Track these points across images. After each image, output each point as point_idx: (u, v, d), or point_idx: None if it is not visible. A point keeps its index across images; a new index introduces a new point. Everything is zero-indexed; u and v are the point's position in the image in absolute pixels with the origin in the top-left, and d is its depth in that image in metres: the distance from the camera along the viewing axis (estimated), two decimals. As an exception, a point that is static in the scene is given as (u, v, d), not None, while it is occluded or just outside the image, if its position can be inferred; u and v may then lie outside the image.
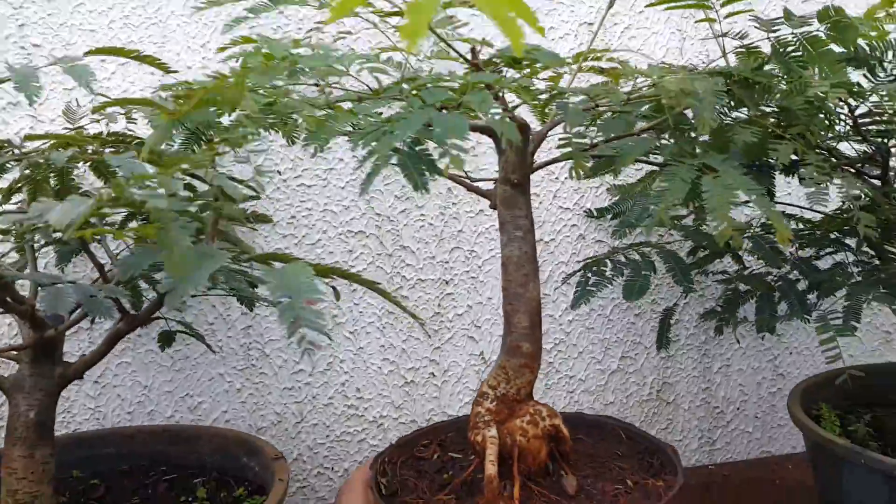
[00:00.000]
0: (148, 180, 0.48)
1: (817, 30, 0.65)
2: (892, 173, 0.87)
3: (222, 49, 0.68)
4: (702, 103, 0.61)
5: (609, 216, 1.10)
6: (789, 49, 0.67)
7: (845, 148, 0.91)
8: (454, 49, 0.52)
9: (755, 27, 0.73)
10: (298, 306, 0.45)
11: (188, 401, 1.00)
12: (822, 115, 0.74)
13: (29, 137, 0.63)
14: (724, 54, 0.75)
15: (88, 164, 0.73)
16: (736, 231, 0.57)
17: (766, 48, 0.72)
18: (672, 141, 0.70)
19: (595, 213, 1.12)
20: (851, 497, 0.83)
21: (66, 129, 0.85)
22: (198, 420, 1.00)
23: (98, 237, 0.79)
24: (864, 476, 0.79)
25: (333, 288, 0.62)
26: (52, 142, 0.70)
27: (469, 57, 0.61)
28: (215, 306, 0.99)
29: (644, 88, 0.68)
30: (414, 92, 0.53)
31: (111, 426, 0.96)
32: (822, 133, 0.82)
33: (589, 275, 0.96)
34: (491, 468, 0.65)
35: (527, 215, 0.70)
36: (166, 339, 0.89)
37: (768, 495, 1.11)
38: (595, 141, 0.68)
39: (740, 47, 0.74)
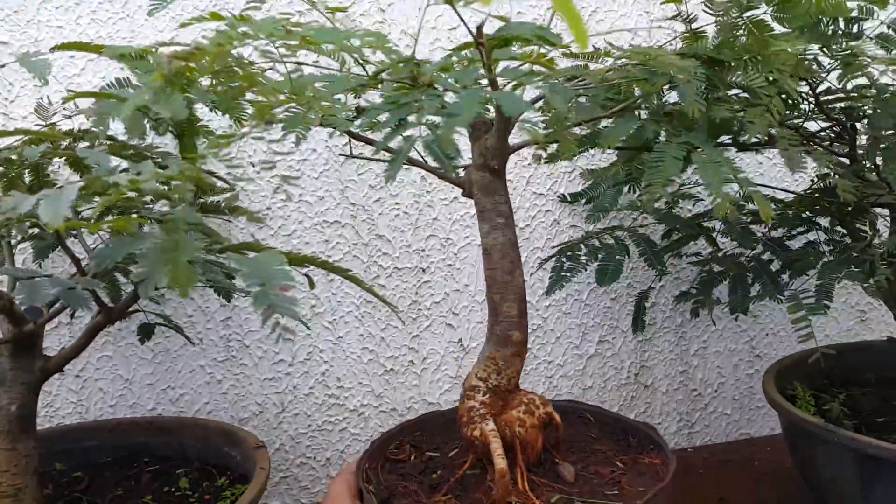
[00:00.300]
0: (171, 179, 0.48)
1: (764, 12, 0.66)
2: (860, 151, 0.89)
3: (185, 25, 0.66)
4: (689, 83, 0.61)
5: (583, 201, 1.11)
6: (738, 33, 0.68)
7: (813, 129, 0.93)
8: (466, 25, 0.51)
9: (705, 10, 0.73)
10: (272, 293, 0.45)
11: (170, 393, 1.01)
12: (782, 96, 0.76)
13: (0, 134, 0.63)
14: (690, 34, 0.76)
15: (64, 158, 0.73)
16: (732, 205, 0.58)
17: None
18: (647, 121, 0.71)
19: (568, 198, 1.13)
20: (825, 475, 0.84)
21: (38, 125, 0.85)
22: (180, 412, 1.01)
23: (74, 232, 0.79)
24: (838, 454, 0.81)
25: (308, 276, 0.63)
26: (25, 138, 0.70)
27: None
28: (193, 298, 1.00)
29: (614, 71, 0.69)
30: (437, 74, 0.52)
31: (94, 419, 0.97)
32: (787, 112, 0.83)
33: (563, 260, 0.98)
34: (501, 462, 0.63)
35: (506, 201, 0.68)
36: (146, 332, 0.89)
37: (748, 476, 1.13)
38: (574, 122, 0.69)
39: (686, 32, 0.75)
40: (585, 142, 0.81)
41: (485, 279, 0.69)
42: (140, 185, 0.47)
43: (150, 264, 0.46)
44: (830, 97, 0.80)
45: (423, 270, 1.09)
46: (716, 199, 0.60)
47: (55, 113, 0.86)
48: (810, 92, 0.78)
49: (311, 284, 0.61)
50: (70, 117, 0.83)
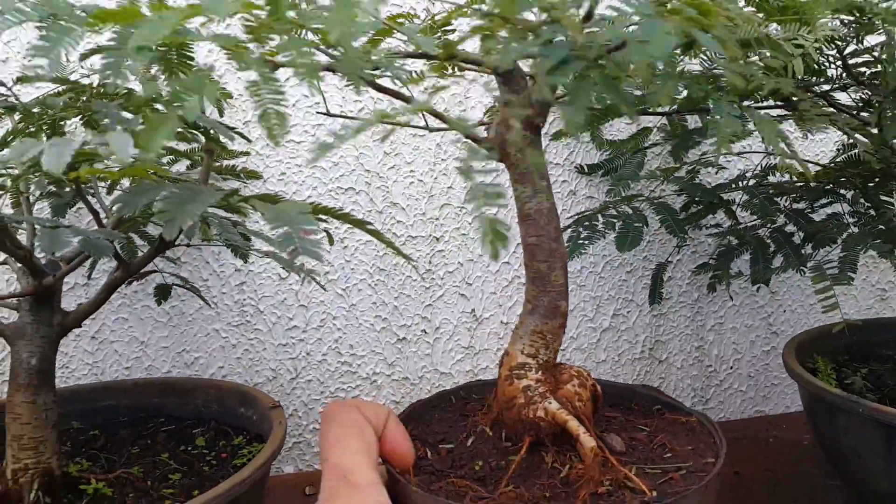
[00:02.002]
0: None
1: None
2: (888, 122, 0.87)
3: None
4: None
5: (600, 172, 1.10)
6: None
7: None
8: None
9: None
10: (296, 235, 0.45)
11: (185, 356, 1.01)
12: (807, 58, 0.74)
13: (21, 80, 0.62)
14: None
15: (80, 117, 0.73)
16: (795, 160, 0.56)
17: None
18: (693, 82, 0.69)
19: (586, 170, 1.11)
20: (848, 448, 0.83)
21: (55, 85, 0.84)
22: (195, 375, 1.01)
23: (92, 190, 0.79)
24: (862, 426, 0.80)
25: (327, 232, 0.62)
26: (44, 94, 0.70)
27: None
28: (209, 262, 0.99)
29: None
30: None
31: (109, 380, 0.97)
32: (812, 78, 0.82)
33: (580, 230, 0.97)
34: (590, 440, 0.57)
35: (545, 164, 0.65)
36: (163, 293, 0.89)
37: (763, 453, 1.13)
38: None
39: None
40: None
41: (526, 248, 0.64)
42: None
43: (174, 206, 0.45)
44: (859, 60, 0.78)
45: (437, 239, 1.08)
46: (779, 155, 0.57)
47: (73, 72, 0.85)
48: (838, 55, 0.76)
49: (331, 240, 0.61)
50: (88, 76, 0.82)
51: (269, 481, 0.79)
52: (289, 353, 1.05)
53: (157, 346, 1.00)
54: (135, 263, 0.68)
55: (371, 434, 0.52)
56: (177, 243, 0.71)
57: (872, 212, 0.95)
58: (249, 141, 0.96)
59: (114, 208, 0.67)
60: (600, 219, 0.96)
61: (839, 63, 0.77)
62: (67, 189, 0.80)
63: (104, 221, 0.70)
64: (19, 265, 0.73)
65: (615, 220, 0.94)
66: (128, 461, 0.77)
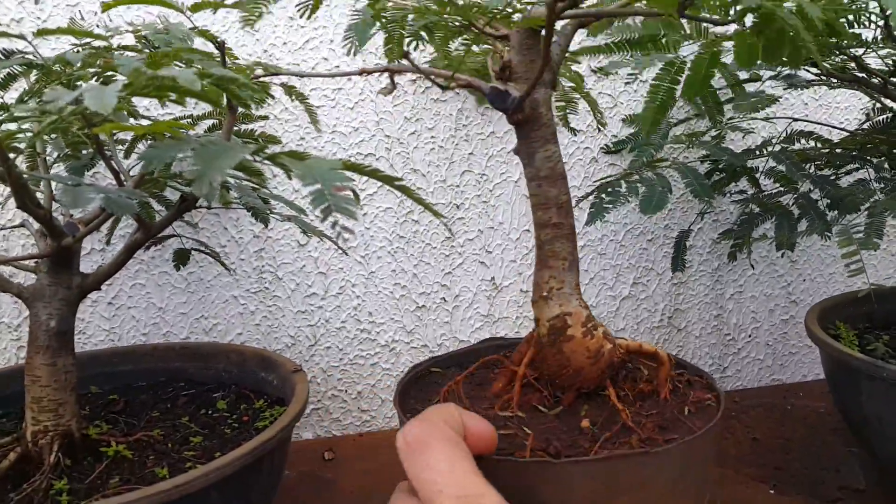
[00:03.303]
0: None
1: None
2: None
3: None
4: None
5: (627, 149, 1.08)
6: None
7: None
8: None
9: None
10: (328, 192, 0.44)
11: (203, 322, 1.00)
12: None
13: (42, 32, 0.61)
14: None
15: (97, 78, 0.71)
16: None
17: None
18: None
19: (612, 148, 1.10)
20: (871, 413, 0.83)
21: (72, 45, 0.83)
22: (214, 341, 1.01)
23: (109, 152, 0.78)
24: (885, 391, 0.79)
25: (353, 191, 0.61)
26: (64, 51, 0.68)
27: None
28: (227, 229, 0.99)
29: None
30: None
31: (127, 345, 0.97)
32: (844, 42, 0.80)
33: (603, 195, 0.95)
34: (663, 352, 0.67)
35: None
36: (182, 258, 0.88)
37: (781, 420, 1.12)
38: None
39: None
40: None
41: (561, 206, 0.64)
42: (178, 81, 0.45)
43: (204, 160, 0.44)
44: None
45: (458, 207, 1.07)
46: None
47: (93, 27, 0.84)
48: (881, 13, 0.73)
49: (357, 198, 0.60)
50: (111, 35, 0.81)
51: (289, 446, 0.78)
52: (307, 319, 1.04)
53: (175, 311, 0.99)
54: (156, 225, 0.67)
55: (466, 447, 0.47)
56: (196, 206, 0.70)
57: (899, 178, 0.94)
58: (266, 117, 0.95)
59: (136, 166, 0.65)
60: (623, 185, 0.94)
61: (882, 22, 0.74)
62: (85, 151, 0.79)
63: (124, 182, 0.69)
64: (37, 227, 0.72)
65: (639, 186, 0.92)
66: (148, 424, 0.76)
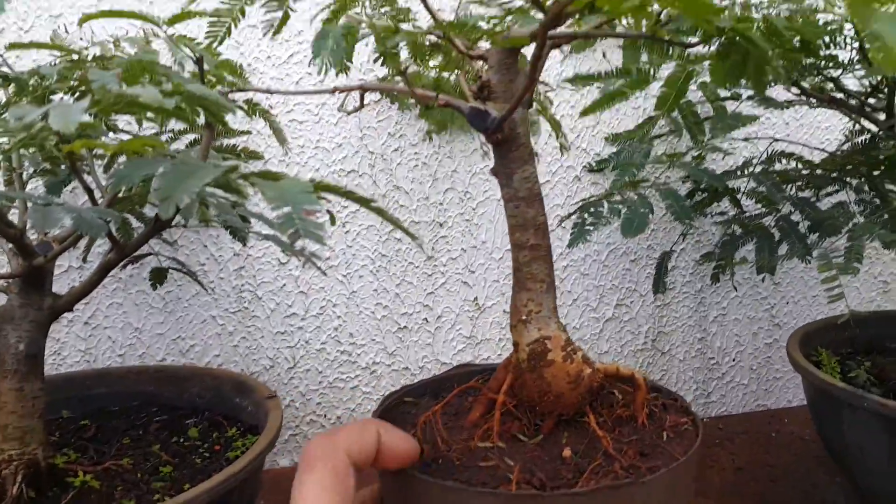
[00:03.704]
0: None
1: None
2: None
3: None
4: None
5: (610, 167, 1.08)
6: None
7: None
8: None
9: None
10: (297, 216, 0.43)
11: (180, 343, 0.99)
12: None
13: (13, 46, 0.60)
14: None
15: (71, 92, 0.70)
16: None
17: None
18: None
19: (595, 167, 1.10)
20: (852, 442, 0.82)
21: (52, 56, 0.82)
22: (190, 363, 0.99)
23: (87, 168, 0.76)
24: (866, 421, 0.79)
25: (329, 212, 0.60)
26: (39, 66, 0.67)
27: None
28: (206, 246, 0.97)
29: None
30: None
31: (102, 367, 0.95)
32: (821, 63, 0.80)
33: (585, 216, 0.95)
34: (639, 374, 0.66)
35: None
36: (158, 277, 0.87)
37: (764, 448, 1.11)
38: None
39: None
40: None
41: (539, 227, 0.63)
42: (141, 99, 0.44)
43: (170, 182, 0.43)
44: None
45: (441, 225, 1.06)
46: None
47: (71, 44, 0.83)
48: (855, 36, 0.74)
49: (333, 220, 0.59)
50: (87, 48, 0.80)
51: (264, 474, 0.77)
52: (287, 341, 1.03)
53: (152, 332, 0.98)
54: (130, 245, 0.66)
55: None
56: (173, 224, 0.69)
57: (878, 201, 0.94)
58: (249, 132, 0.94)
59: (108, 183, 0.64)
60: (605, 205, 0.94)
61: (856, 45, 0.75)
62: (63, 167, 0.78)
63: (99, 200, 0.68)
64: (10, 245, 0.71)
65: (620, 207, 0.92)
66: (118, 452, 0.74)
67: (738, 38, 0.50)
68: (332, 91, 0.62)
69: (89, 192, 0.59)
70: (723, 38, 0.50)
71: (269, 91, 0.59)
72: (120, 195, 0.66)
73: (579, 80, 0.77)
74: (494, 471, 0.58)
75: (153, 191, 0.42)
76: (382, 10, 0.68)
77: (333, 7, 0.60)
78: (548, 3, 0.46)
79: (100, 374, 0.88)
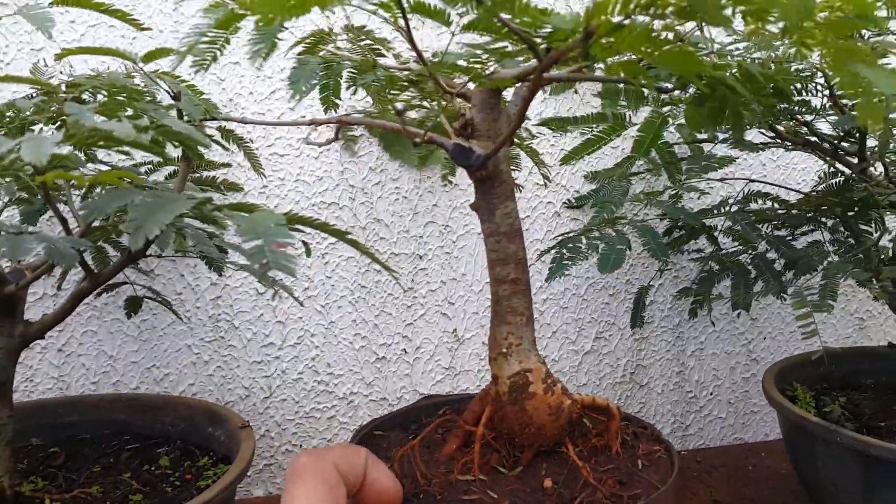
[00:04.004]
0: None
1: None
2: (869, 151, 0.87)
3: None
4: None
5: (589, 204, 1.09)
6: None
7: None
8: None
9: None
10: (268, 249, 0.43)
11: (154, 372, 0.98)
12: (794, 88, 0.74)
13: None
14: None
15: (51, 122, 0.71)
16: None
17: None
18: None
19: (574, 203, 1.11)
20: (826, 477, 0.83)
21: (33, 88, 0.82)
22: (164, 392, 0.98)
23: (64, 197, 0.76)
24: (840, 456, 0.79)
25: (305, 243, 0.60)
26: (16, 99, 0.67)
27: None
28: (183, 275, 0.97)
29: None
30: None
31: (75, 395, 0.94)
32: (795, 108, 0.82)
33: (564, 251, 0.96)
34: (613, 405, 0.69)
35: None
36: (133, 306, 0.86)
37: (742, 482, 1.12)
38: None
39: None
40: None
41: (519, 262, 0.66)
42: (115, 133, 0.45)
43: (142, 214, 0.43)
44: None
45: (420, 257, 1.07)
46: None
47: (51, 77, 0.83)
48: (825, 84, 0.76)
49: (308, 252, 0.59)
50: (67, 83, 0.81)
51: None
52: (263, 370, 1.02)
53: (127, 360, 0.97)
54: (104, 274, 0.66)
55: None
56: (149, 254, 0.69)
57: (852, 240, 0.95)
58: (229, 164, 0.95)
59: (81, 214, 0.64)
60: (584, 240, 0.95)
61: (827, 92, 0.77)
62: (39, 196, 0.78)
63: (74, 230, 0.68)
64: (-18, 273, 0.70)
65: (598, 242, 0.93)
66: (87, 480, 0.74)
67: (718, 84, 0.51)
68: (310, 123, 0.63)
69: (63, 221, 0.60)
70: (702, 83, 0.51)
71: (243, 121, 0.60)
72: (95, 225, 0.66)
73: (555, 122, 0.78)
74: None
75: (124, 224, 0.43)
76: (361, 43, 0.69)
77: (310, 40, 0.61)
78: (541, 47, 0.47)
79: (72, 402, 0.87)
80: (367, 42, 0.69)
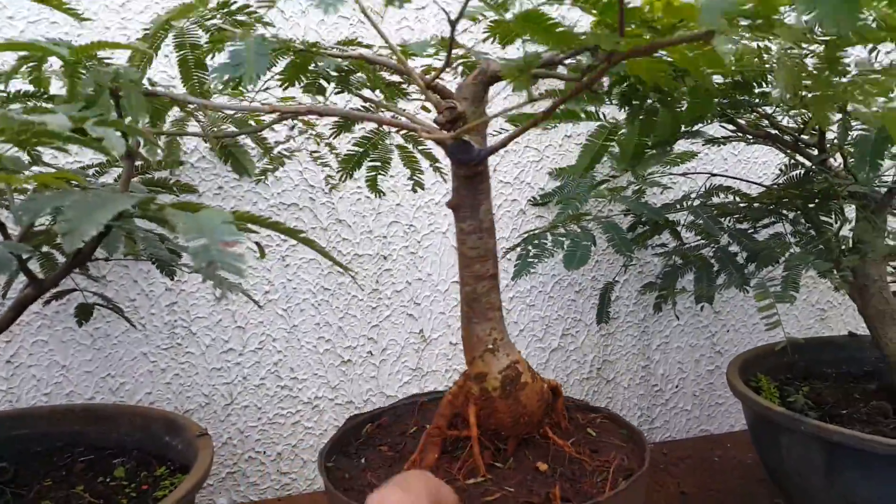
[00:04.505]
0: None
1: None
2: (829, 144, 0.88)
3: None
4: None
5: (554, 201, 1.09)
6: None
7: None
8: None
9: None
10: (214, 247, 0.41)
11: (109, 381, 0.95)
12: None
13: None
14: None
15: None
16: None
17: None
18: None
19: (539, 200, 1.10)
20: (790, 465, 0.83)
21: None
22: (120, 402, 0.95)
23: (6, 200, 0.73)
24: (804, 443, 0.80)
25: (258, 244, 0.58)
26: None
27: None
28: (137, 281, 0.94)
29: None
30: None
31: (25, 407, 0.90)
32: (756, 100, 0.82)
33: (529, 248, 0.95)
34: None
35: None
36: (84, 313, 0.83)
37: (708, 472, 1.12)
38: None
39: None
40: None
41: (495, 258, 0.67)
42: (50, 126, 0.43)
43: (77, 213, 0.41)
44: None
45: (385, 258, 1.05)
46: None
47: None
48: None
49: (262, 252, 0.57)
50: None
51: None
52: (223, 377, 0.99)
53: (80, 370, 0.93)
54: (48, 280, 0.63)
55: None
56: (96, 258, 0.66)
57: (813, 232, 0.96)
58: (182, 163, 0.92)
59: (14, 216, 0.62)
60: (549, 237, 0.94)
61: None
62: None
63: (12, 235, 0.65)
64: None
65: (563, 239, 0.92)
66: (38, 495, 0.71)
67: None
68: (271, 111, 0.60)
69: (1, 226, 0.57)
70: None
71: (187, 101, 0.57)
72: (38, 229, 0.63)
73: (521, 119, 0.78)
74: (505, 502, 0.59)
75: (57, 226, 0.40)
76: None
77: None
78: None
79: (22, 415, 0.84)
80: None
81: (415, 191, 0.96)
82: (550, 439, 0.66)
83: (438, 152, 1.02)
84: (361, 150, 0.80)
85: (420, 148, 0.84)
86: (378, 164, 0.85)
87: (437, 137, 0.60)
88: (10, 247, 0.52)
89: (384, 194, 0.95)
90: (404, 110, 0.70)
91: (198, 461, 0.66)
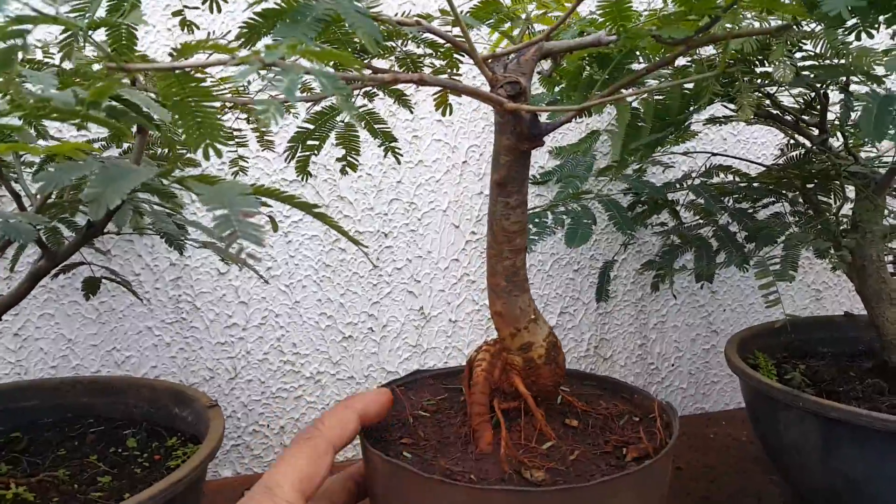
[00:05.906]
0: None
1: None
2: (829, 124, 0.89)
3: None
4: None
5: (554, 180, 1.10)
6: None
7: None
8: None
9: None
10: (234, 218, 0.42)
11: (115, 355, 0.96)
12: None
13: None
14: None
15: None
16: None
17: None
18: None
19: (539, 179, 1.11)
20: (788, 441, 0.85)
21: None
22: (126, 376, 0.96)
23: (15, 175, 0.74)
24: (801, 420, 0.81)
25: (270, 217, 0.59)
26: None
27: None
28: (141, 256, 0.95)
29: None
30: None
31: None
32: (758, 80, 0.83)
33: (530, 226, 0.96)
34: None
35: None
36: (91, 287, 0.84)
37: (703, 450, 1.14)
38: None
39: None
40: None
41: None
42: (53, 102, 0.43)
43: (101, 183, 0.42)
44: (808, 63, 0.79)
45: (385, 235, 1.06)
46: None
47: None
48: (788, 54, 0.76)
49: (275, 226, 0.58)
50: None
51: (206, 485, 0.75)
52: (227, 351, 1.01)
53: (86, 343, 0.94)
54: (61, 252, 0.64)
55: (325, 455, 0.48)
56: (106, 231, 0.67)
57: (812, 212, 0.97)
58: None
59: (35, 187, 0.62)
60: (549, 216, 0.95)
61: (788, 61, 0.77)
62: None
63: (28, 208, 0.65)
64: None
65: (564, 217, 0.93)
66: (53, 464, 0.72)
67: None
68: (237, 63, 0.59)
69: (17, 197, 0.57)
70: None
71: (173, 67, 0.57)
72: (49, 201, 0.64)
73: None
74: (583, 459, 0.59)
75: (84, 193, 0.41)
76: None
77: None
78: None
79: (31, 386, 0.84)
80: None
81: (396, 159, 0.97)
82: (564, 397, 0.67)
83: (428, 130, 1.03)
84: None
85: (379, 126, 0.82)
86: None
87: (521, 108, 0.60)
88: (28, 217, 0.53)
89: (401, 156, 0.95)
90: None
91: (210, 431, 0.67)
